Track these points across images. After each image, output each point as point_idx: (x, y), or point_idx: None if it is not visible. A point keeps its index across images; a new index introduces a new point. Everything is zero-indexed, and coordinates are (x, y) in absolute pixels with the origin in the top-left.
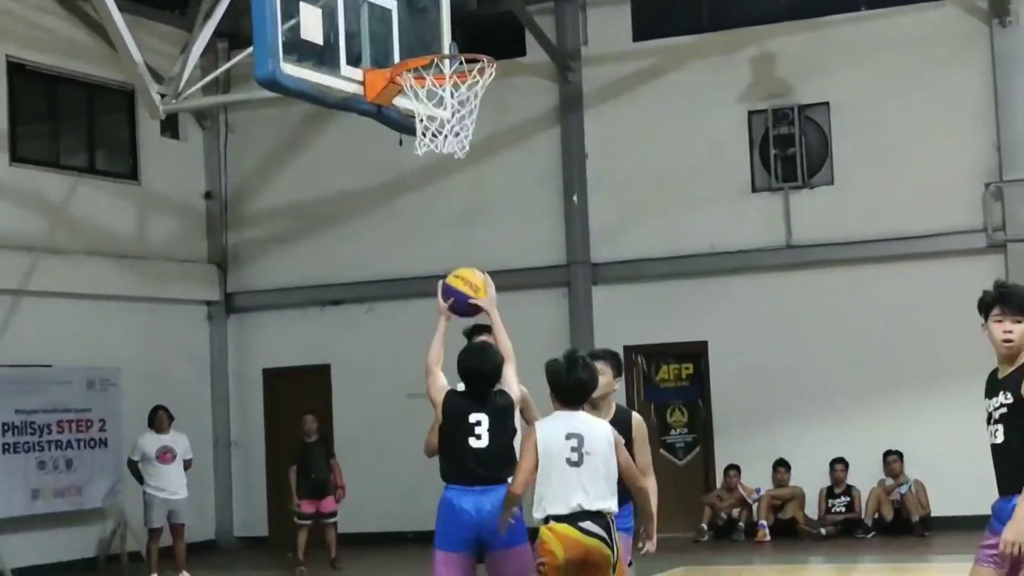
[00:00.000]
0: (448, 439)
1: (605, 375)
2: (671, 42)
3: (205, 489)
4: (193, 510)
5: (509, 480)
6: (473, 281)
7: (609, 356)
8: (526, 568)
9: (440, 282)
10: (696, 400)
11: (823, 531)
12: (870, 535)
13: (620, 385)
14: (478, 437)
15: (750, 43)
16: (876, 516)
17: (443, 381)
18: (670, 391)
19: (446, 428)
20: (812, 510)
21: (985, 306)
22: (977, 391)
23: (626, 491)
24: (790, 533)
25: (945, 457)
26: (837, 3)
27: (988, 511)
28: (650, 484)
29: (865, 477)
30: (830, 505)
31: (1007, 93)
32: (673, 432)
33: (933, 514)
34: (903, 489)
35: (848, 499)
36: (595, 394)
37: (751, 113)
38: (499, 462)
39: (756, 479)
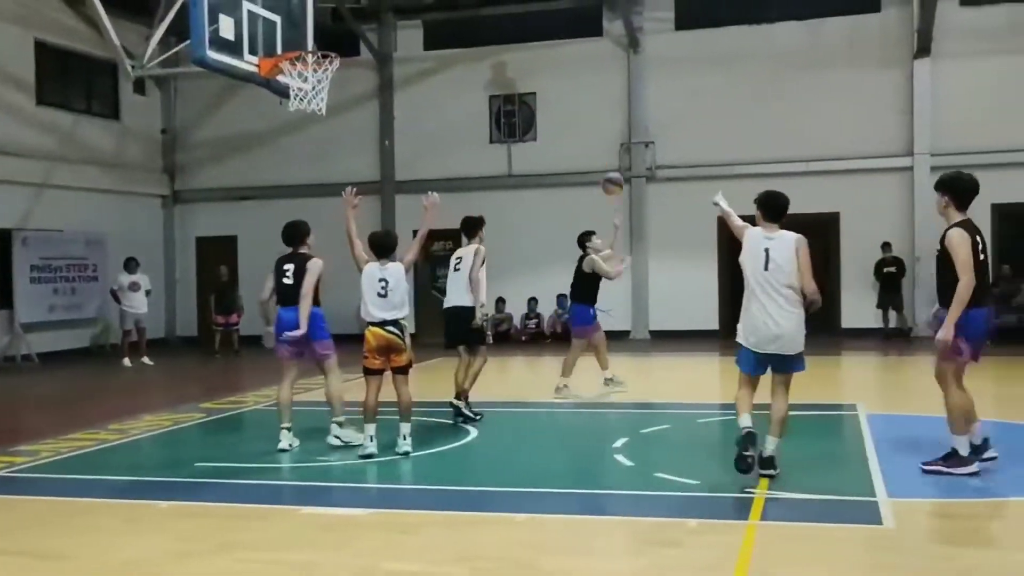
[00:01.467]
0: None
1: (595, 242)
2: (445, 52)
3: (159, 307)
4: (151, 320)
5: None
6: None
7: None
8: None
9: None
10: None
11: (523, 338)
12: (548, 340)
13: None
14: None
15: (491, 55)
16: (553, 330)
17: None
18: (439, 257)
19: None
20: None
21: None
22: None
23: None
24: (506, 339)
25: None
26: (541, 33)
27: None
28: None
29: (547, 308)
30: (527, 324)
31: (635, 93)
32: (439, 280)
33: None
34: (567, 315)
35: (537, 320)
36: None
37: (491, 97)
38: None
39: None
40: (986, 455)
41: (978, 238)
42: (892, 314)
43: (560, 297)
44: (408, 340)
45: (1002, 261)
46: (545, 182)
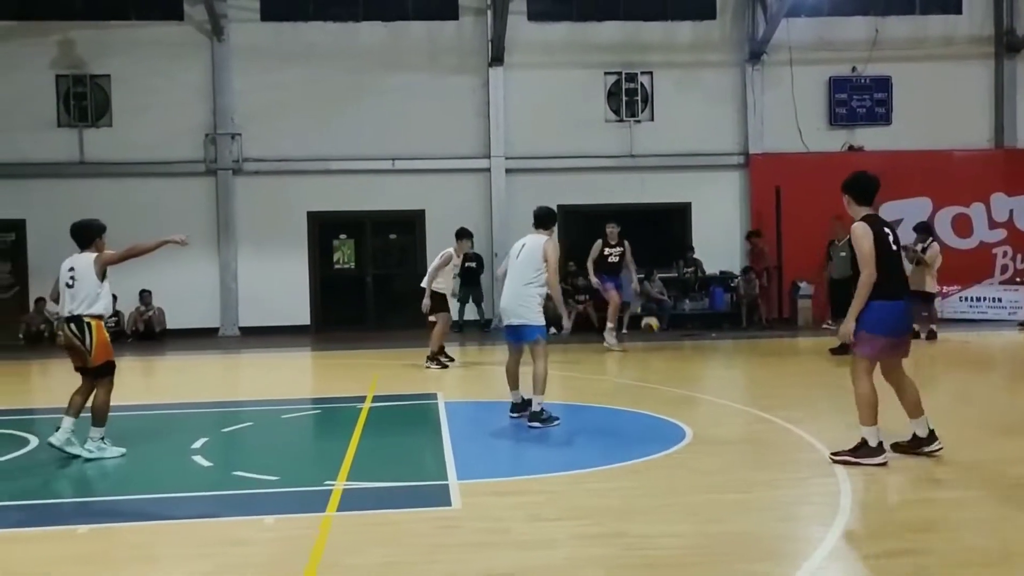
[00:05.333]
0: None
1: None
2: (2, 24)
3: None
4: None
5: None
6: None
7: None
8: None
9: None
10: None
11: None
12: (129, 339)
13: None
14: None
15: (57, 31)
16: (135, 329)
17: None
18: None
19: None
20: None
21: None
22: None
23: None
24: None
25: (178, 296)
26: (114, 11)
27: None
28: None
29: (126, 306)
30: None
31: (220, 83)
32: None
33: (168, 327)
34: (152, 312)
35: (116, 319)
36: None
37: (58, 76)
38: None
39: None
40: (932, 447)
41: (886, 230)
42: (472, 306)
43: (143, 292)
44: (92, 341)
45: (568, 259)
46: (122, 171)
